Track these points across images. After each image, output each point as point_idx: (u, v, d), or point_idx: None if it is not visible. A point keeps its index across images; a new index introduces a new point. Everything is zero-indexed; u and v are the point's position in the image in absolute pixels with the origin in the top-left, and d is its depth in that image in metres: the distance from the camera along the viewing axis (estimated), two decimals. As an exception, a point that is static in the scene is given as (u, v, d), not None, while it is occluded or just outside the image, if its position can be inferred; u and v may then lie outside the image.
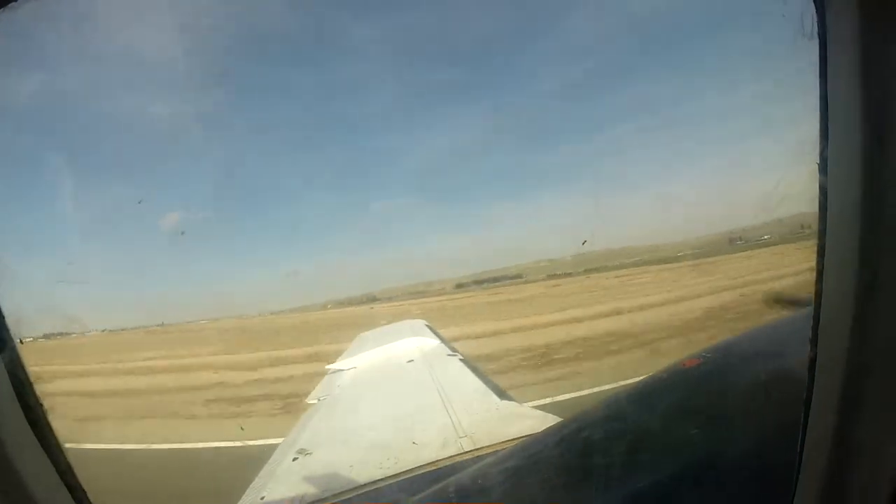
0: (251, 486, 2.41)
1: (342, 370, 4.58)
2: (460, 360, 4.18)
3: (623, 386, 1.70)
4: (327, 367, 4.81)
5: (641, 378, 1.65)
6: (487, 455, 1.95)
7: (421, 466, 2.13)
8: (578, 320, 13.49)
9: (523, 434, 2.13)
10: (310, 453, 2.64)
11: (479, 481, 1.50)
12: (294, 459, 2.60)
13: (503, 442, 2.22)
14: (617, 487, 1.29)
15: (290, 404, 9.68)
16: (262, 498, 2.20)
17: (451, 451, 2.28)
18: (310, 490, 2.19)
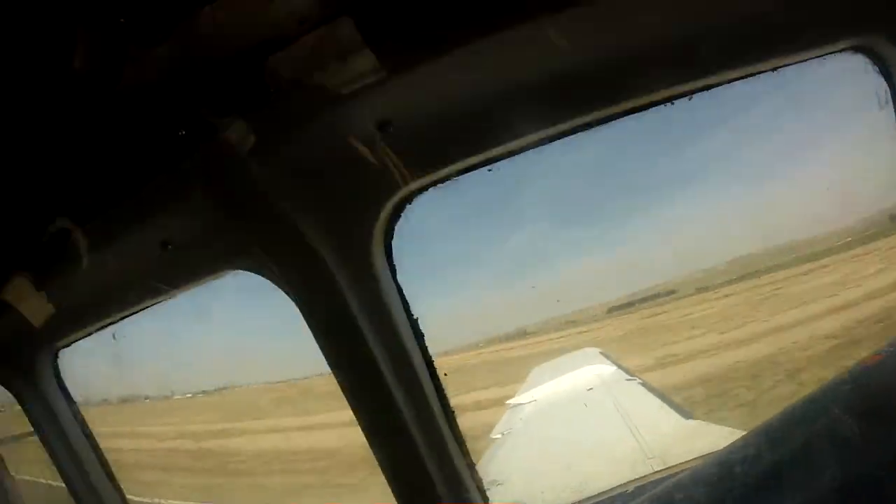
0: None
1: (522, 404, 4.81)
2: (640, 383, 4.17)
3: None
4: (508, 401, 5.21)
5: (821, 385, 1.67)
6: (678, 474, 1.95)
7: (612, 489, 2.23)
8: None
9: (712, 450, 2.21)
10: (500, 484, 2.82)
11: (672, 499, 1.51)
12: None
13: (692, 459, 2.23)
14: (812, 493, 1.40)
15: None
16: None
17: (641, 471, 2.37)
18: None
